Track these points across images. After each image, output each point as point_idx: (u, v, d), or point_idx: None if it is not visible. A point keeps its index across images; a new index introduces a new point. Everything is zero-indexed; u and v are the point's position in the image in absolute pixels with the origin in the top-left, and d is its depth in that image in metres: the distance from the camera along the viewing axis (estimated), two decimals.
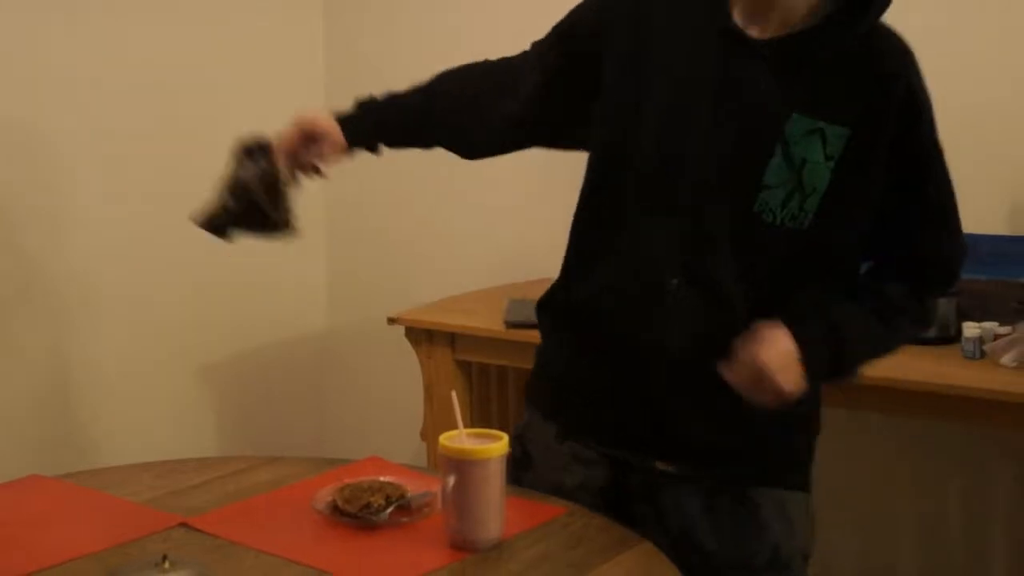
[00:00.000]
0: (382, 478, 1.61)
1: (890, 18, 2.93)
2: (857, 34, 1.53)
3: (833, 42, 1.53)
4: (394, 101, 1.79)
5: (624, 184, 1.59)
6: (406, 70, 3.47)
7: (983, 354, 2.45)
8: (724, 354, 1.49)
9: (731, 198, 1.53)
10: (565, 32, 1.71)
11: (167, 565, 1.33)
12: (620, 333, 1.60)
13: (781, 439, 1.64)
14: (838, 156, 1.51)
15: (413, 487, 1.58)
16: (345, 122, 1.75)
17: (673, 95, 1.56)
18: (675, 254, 1.55)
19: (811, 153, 1.51)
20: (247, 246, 3.44)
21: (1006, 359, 2.38)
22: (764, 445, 1.63)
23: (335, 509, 1.54)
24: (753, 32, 1.54)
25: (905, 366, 2.42)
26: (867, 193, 1.55)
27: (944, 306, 2.60)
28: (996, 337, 2.46)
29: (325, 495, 1.57)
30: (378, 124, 1.77)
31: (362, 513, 1.51)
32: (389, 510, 1.52)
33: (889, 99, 1.54)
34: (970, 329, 2.47)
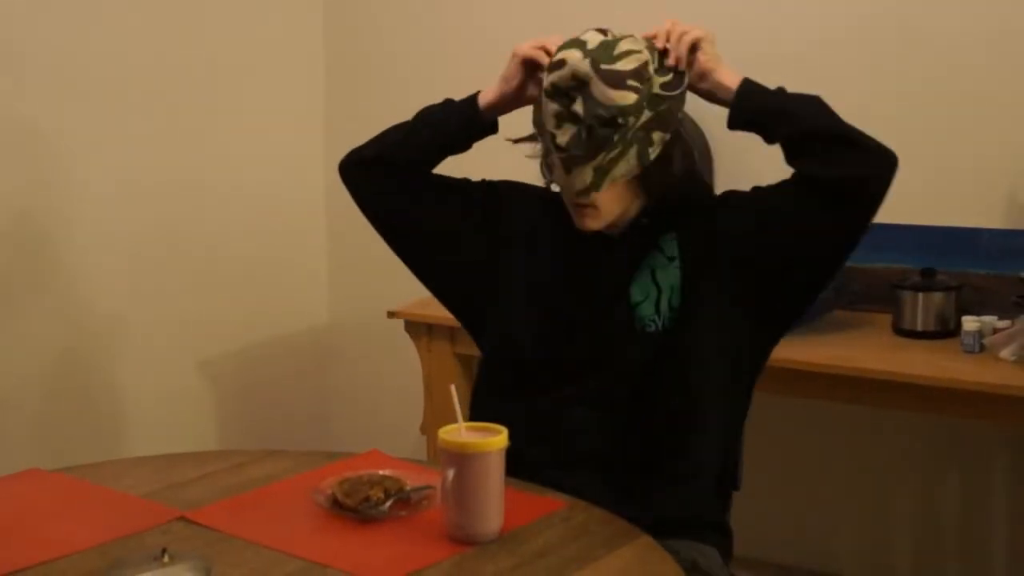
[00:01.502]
0: (381, 472, 1.61)
1: (891, 12, 2.92)
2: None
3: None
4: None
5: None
6: (406, 70, 3.51)
7: (983, 348, 2.45)
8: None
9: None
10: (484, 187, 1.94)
11: (167, 558, 1.32)
12: None
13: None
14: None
15: (412, 481, 1.58)
16: None
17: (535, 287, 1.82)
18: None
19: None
20: (247, 243, 3.45)
21: (1005, 353, 2.38)
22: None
23: (335, 503, 1.54)
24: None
25: (905, 360, 2.43)
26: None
27: (943, 300, 2.60)
28: (995, 331, 2.46)
29: (324, 489, 1.57)
30: None
31: (361, 507, 1.51)
32: (389, 504, 1.52)
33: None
34: (969, 323, 2.47)
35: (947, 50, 2.76)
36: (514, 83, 1.81)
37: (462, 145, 1.89)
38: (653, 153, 1.69)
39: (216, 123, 3.35)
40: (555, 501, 1.59)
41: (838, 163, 1.66)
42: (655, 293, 1.75)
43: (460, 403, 1.53)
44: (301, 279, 3.67)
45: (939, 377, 2.31)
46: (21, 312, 2.94)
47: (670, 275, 1.75)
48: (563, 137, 1.69)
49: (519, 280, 1.83)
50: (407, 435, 3.15)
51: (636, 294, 1.75)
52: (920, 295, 2.60)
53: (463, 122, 1.86)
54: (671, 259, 1.76)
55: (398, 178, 1.88)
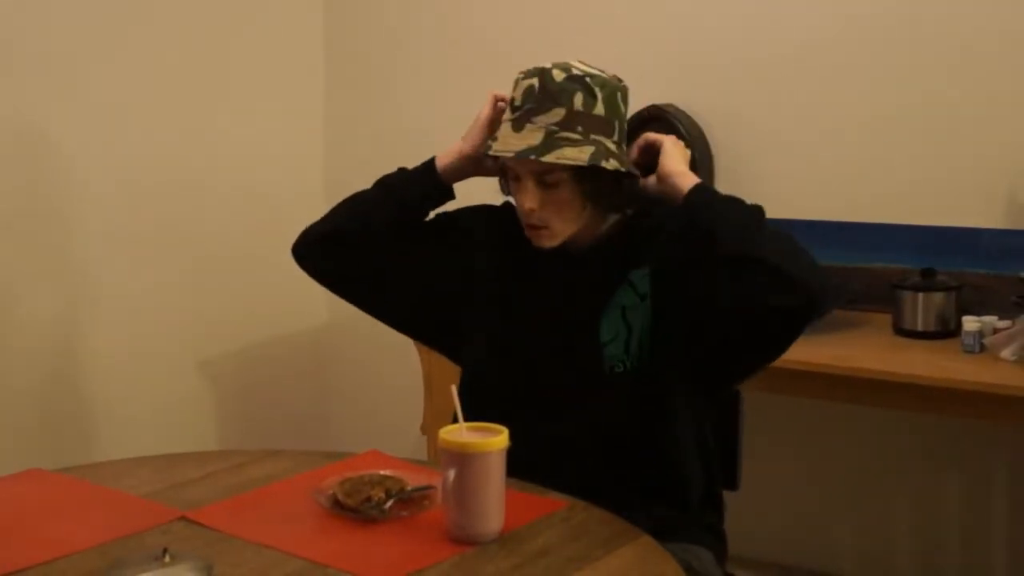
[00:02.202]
0: (382, 472, 1.61)
1: (891, 12, 2.91)
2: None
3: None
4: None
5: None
6: (406, 70, 3.51)
7: (983, 348, 2.45)
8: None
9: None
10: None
11: (167, 558, 1.32)
12: None
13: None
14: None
15: (413, 481, 1.58)
16: None
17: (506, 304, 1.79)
18: None
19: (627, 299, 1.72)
20: (247, 242, 3.45)
21: (1006, 353, 2.38)
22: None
23: (335, 503, 1.54)
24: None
25: (904, 360, 2.43)
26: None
27: (943, 300, 2.61)
28: (996, 331, 2.46)
29: (325, 489, 1.57)
30: None
31: (362, 507, 1.51)
32: (389, 504, 1.52)
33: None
34: (970, 323, 2.47)
35: (947, 50, 2.76)
36: (478, 142, 1.77)
37: (421, 215, 1.86)
38: (606, 165, 1.65)
39: (216, 123, 3.36)
40: (555, 501, 1.59)
41: (759, 292, 1.58)
42: (625, 333, 1.71)
43: (460, 403, 1.53)
44: (301, 279, 3.64)
45: (939, 377, 2.31)
46: (20, 311, 2.94)
47: (641, 315, 1.71)
48: (519, 90, 1.68)
49: (490, 315, 1.80)
50: (407, 435, 3.15)
51: (605, 333, 1.72)
52: (920, 295, 2.60)
53: (421, 195, 1.84)
54: (643, 297, 1.71)
55: (359, 249, 1.86)
